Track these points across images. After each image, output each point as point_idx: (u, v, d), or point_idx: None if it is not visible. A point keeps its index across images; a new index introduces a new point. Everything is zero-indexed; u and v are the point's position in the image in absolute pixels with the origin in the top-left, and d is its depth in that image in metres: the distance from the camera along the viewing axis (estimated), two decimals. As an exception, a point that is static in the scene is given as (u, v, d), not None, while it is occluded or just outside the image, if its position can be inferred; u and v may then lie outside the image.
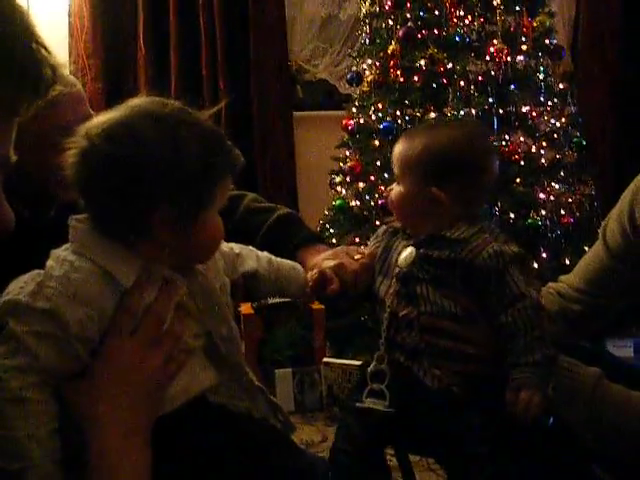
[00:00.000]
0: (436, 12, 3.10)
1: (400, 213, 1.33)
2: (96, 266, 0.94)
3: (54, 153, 0.98)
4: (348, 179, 3.26)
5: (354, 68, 3.34)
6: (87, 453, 0.90)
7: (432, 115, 3.00)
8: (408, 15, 3.12)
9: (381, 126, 3.10)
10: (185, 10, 3.74)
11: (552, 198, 3.07)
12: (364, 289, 1.34)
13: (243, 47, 3.79)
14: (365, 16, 3.34)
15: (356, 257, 1.34)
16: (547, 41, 3.19)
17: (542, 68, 3.16)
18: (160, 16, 3.73)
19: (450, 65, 3.01)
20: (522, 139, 3.08)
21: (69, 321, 0.90)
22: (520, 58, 3.08)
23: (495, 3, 3.07)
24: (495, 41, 3.01)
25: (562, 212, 3.08)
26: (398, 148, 1.32)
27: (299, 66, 4.09)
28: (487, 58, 3.01)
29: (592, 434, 1.26)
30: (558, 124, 3.16)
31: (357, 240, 3.11)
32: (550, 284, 1.53)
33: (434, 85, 3.06)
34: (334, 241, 3.22)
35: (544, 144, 3.12)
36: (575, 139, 3.18)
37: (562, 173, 3.14)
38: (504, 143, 2.98)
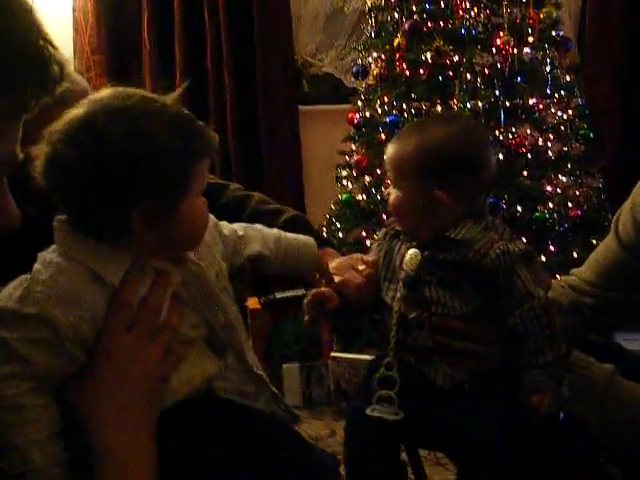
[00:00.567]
0: (442, 4, 3.08)
1: (401, 218, 1.29)
2: (83, 267, 0.92)
3: None
4: (354, 173, 3.25)
5: (360, 62, 3.33)
6: (92, 453, 0.90)
7: (439, 108, 2.99)
8: (414, 8, 3.10)
9: (387, 119, 3.08)
10: (190, 5, 3.73)
11: (559, 191, 3.05)
12: (370, 301, 1.32)
13: (248, 42, 3.78)
14: (370, 9, 3.32)
15: (360, 268, 1.34)
16: (553, 33, 3.17)
17: (549, 60, 3.14)
18: (165, 11, 3.72)
19: (456, 58, 3.00)
20: (529, 132, 3.06)
21: (60, 324, 0.89)
22: (527, 50, 3.06)
23: (501, -5, 3.06)
24: (501, 33, 2.99)
25: (569, 205, 3.06)
26: (390, 151, 1.28)
27: (304, 60, 4.08)
28: (493, 50, 3.00)
29: (605, 430, 1.26)
30: (565, 116, 3.14)
31: (363, 234, 3.10)
32: (562, 277, 1.52)
33: (440, 78, 3.04)
34: (340, 235, 3.22)
35: (551, 137, 3.09)
36: (582, 131, 3.16)
37: (569, 166, 3.12)
38: (510, 136, 2.96)
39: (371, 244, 1.43)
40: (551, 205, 2.98)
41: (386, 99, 3.15)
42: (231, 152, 3.72)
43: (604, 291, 1.43)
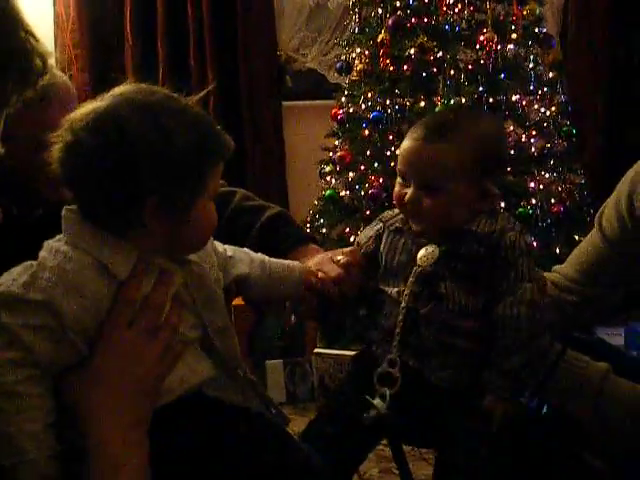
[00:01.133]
0: (426, 1, 3.07)
1: (438, 222, 1.23)
2: (90, 257, 0.92)
3: (42, 153, 0.97)
4: (338, 169, 3.25)
5: (343, 57, 3.32)
6: (86, 446, 0.89)
7: (422, 104, 2.99)
8: (397, 4, 3.09)
9: (371, 115, 3.08)
10: (173, 0, 3.70)
11: (542, 187, 3.07)
12: (353, 292, 1.31)
13: (231, 37, 3.76)
14: (354, 4, 3.31)
15: (338, 258, 1.33)
16: (537, 30, 3.18)
17: (532, 57, 3.15)
18: (147, 5, 3.69)
19: (440, 54, 2.99)
20: (512, 128, 3.07)
21: (64, 312, 0.89)
22: (510, 47, 3.07)
23: (485, -9, 3.06)
24: (485, 30, 2.99)
25: (552, 201, 3.07)
26: (430, 153, 1.20)
27: (288, 56, 4.07)
28: (477, 47, 3.00)
29: (598, 428, 1.26)
30: (548, 113, 3.15)
31: (347, 230, 3.10)
32: (544, 274, 1.53)
33: (424, 74, 3.04)
34: (324, 231, 3.21)
35: (534, 133, 3.11)
36: (565, 128, 3.17)
37: (552, 162, 3.14)
38: (494, 132, 2.96)
39: (355, 239, 1.40)
40: (534, 201, 3.00)
41: (370, 95, 3.14)
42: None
43: (587, 288, 1.44)
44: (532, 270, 1.22)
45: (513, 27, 3.06)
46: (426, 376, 1.23)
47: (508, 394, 1.19)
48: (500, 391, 1.19)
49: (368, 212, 3.01)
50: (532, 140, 3.09)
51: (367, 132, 3.12)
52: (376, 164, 3.07)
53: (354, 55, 3.28)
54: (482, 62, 2.99)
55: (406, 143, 1.25)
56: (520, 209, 2.94)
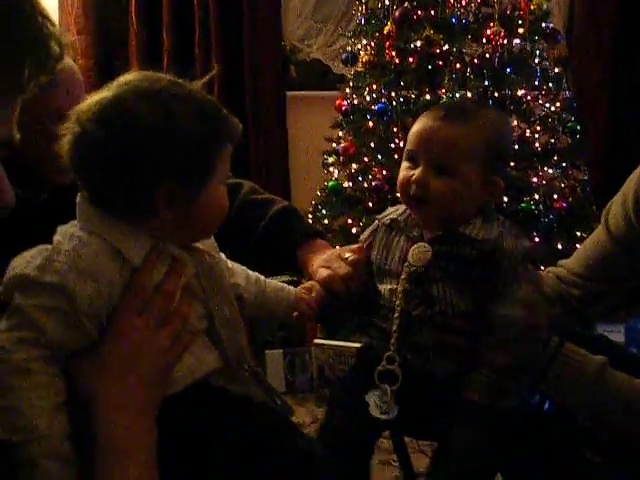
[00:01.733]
0: (432, -7, 3.07)
1: (444, 207, 1.21)
2: (105, 243, 0.93)
3: (47, 136, 0.97)
4: (341, 160, 3.25)
5: (349, 48, 3.31)
6: (92, 432, 0.89)
7: (427, 97, 2.98)
8: (404, -5, 3.09)
9: (375, 107, 3.07)
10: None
11: (545, 182, 3.06)
12: (358, 289, 1.31)
13: (237, 26, 3.75)
14: (360, -5, 3.31)
15: (346, 255, 1.33)
16: (543, 25, 3.17)
17: (538, 52, 3.14)
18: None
19: (446, 47, 2.99)
20: (516, 123, 3.07)
21: (78, 296, 0.89)
22: (516, 41, 3.06)
23: (492, -15, 3.05)
24: (492, 24, 2.98)
25: (555, 197, 3.07)
26: (445, 135, 1.19)
27: (293, 46, 4.06)
28: (483, 41, 2.99)
29: (595, 421, 1.27)
30: (553, 108, 3.14)
31: (350, 222, 3.10)
32: (550, 268, 1.53)
33: (429, 67, 3.03)
34: (326, 222, 3.21)
35: (538, 128, 3.11)
36: (569, 124, 3.17)
37: (555, 157, 3.13)
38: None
39: (357, 232, 1.40)
40: (537, 196, 2.99)
41: (375, 86, 3.13)
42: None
43: (592, 283, 1.44)
44: (529, 273, 1.22)
45: (520, 22, 3.05)
46: (425, 368, 1.23)
47: (489, 390, 1.18)
48: (482, 383, 1.18)
49: (371, 204, 3.01)
50: (536, 135, 3.09)
51: (371, 124, 3.12)
52: (380, 156, 3.06)
53: (359, 46, 3.27)
54: (488, 56, 2.99)
55: (422, 122, 1.23)
56: (523, 204, 2.94)
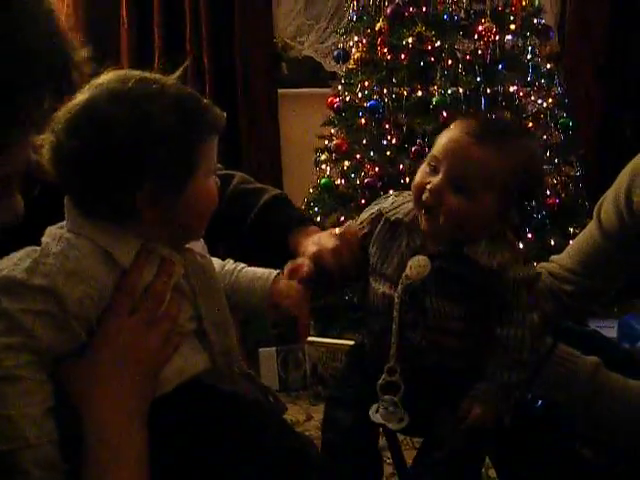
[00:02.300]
0: (424, -11, 3.06)
1: (453, 225, 1.16)
2: (94, 245, 0.92)
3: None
4: (333, 157, 3.24)
5: (340, 45, 3.31)
6: (83, 435, 0.89)
7: (419, 93, 2.98)
8: (396, -8, 3.08)
9: (367, 104, 3.07)
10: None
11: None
12: (353, 271, 1.28)
13: (228, 23, 3.73)
14: (352, -8, 3.30)
15: (336, 230, 1.31)
16: (535, 21, 3.17)
17: (530, 48, 3.14)
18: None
19: (438, 43, 2.99)
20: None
21: (67, 299, 0.88)
22: (508, 38, 3.06)
23: (484, -19, 3.05)
24: (483, 20, 2.98)
25: (547, 193, 3.07)
26: (473, 155, 1.12)
27: (284, 43, 4.04)
28: (475, 37, 2.99)
29: (588, 423, 1.27)
30: (545, 104, 3.15)
31: (342, 219, 3.09)
32: (542, 264, 1.53)
33: (421, 63, 3.03)
34: (318, 219, 3.20)
35: (531, 124, 3.10)
36: (561, 120, 3.17)
37: (548, 154, 3.13)
38: (491, 123, 2.96)
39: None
40: (529, 193, 2.99)
41: (367, 83, 3.13)
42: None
43: (584, 279, 1.44)
44: (535, 299, 1.19)
45: (512, 18, 3.05)
46: (422, 367, 1.23)
47: (491, 399, 1.17)
48: (486, 397, 1.17)
49: (363, 201, 3.00)
50: (528, 131, 3.09)
51: (363, 121, 3.11)
52: (372, 153, 3.06)
53: (351, 43, 3.26)
54: (480, 52, 2.98)
55: (454, 132, 1.16)
56: (515, 201, 2.93)
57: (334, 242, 1.28)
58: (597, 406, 1.24)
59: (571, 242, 1.54)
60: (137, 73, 0.94)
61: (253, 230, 1.40)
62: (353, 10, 3.28)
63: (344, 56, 3.27)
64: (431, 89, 2.97)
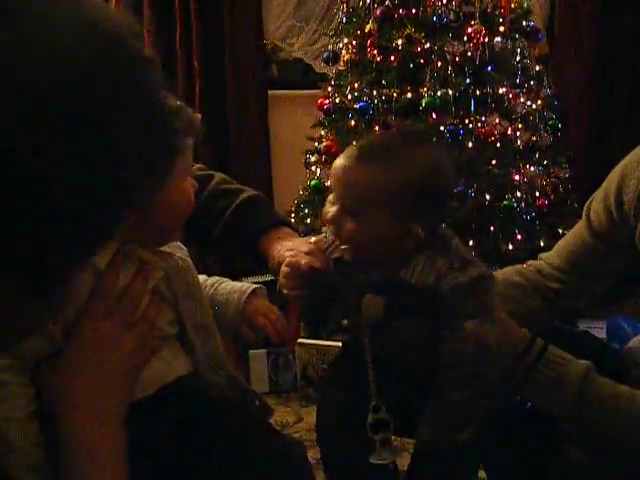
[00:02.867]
0: (414, -9, 3.07)
1: (359, 251, 1.14)
2: None
3: None
4: (323, 159, 3.24)
5: (330, 47, 3.31)
6: (61, 437, 0.88)
7: (409, 95, 2.98)
8: (386, -6, 3.09)
9: (357, 106, 3.07)
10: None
11: (527, 180, 3.07)
12: (324, 266, 1.22)
13: (218, 26, 3.73)
14: (342, -6, 3.30)
15: (311, 239, 1.29)
16: (524, 23, 3.18)
17: (519, 50, 3.15)
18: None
19: (427, 45, 2.99)
20: (498, 121, 3.07)
21: None
22: (497, 40, 3.07)
23: (473, -17, 3.06)
24: (473, 22, 2.99)
25: (537, 194, 3.08)
26: (351, 175, 1.10)
27: (274, 45, 4.04)
28: (465, 39, 2.99)
29: (576, 428, 1.26)
30: (534, 106, 3.16)
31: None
32: (530, 261, 1.53)
33: (411, 65, 3.03)
34: (309, 221, 3.20)
35: (520, 126, 3.12)
36: (550, 121, 3.18)
37: (537, 155, 3.15)
38: (480, 125, 2.97)
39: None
40: (519, 194, 3.00)
41: (356, 85, 3.13)
42: (199, 137, 3.67)
43: (571, 277, 1.44)
44: (479, 304, 1.14)
45: (501, 20, 3.06)
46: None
47: (443, 424, 1.16)
48: (435, 421, 1.16)
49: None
50: (518, 133, 3.10)
51: (353, 122, 3.11)
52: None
53: (341, 45, 3.26)
54: (469, 54, 2.99)
55: (339, 159, 1.15)
56: (505, 202, 2.94)
57: (308, 247, 1.25)
58: (588, 412, 1.23)
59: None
60: None
61: (226, 231, 1.39)
62: (343, 12, 3.29)
63: (334, 58, 3.28)
64: (421, 91, 2.97)
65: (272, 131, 3.95)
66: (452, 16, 3.05)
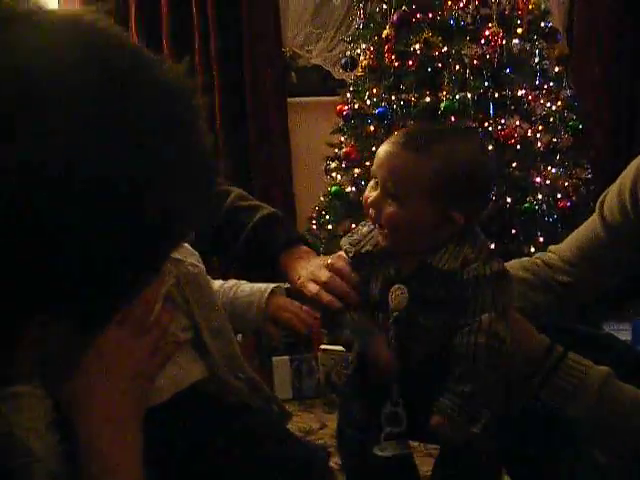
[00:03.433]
0: (430, -5, 3.07)
1: (396, 235, 1.17)
2: None
3: None
4: (343, 165, 3.25)
5: (348, 53, 3.32)
6: (77, 447, 0.89)
7: (427, 100, 2.98)
8: (402, -2, 3.09)
9: (376, 111, 3.07)
10: (177, 3, 3.69)
11: (548, 182, 3.06)
12: (347, 294, 1.25)
13: (236, 35, 3.75)
14: (359, 0, 3.31)
15: (328, 261, 1.28)
16: (542, 24, 3.17)
17: (537, 51, 3.14)
18: (152, 6, 3.69)
19: (445, 49, 2.99)
20: (518, 123, 3.06)
21: None
22: (515, 41, 3.06)
23: (490, -15, 3.05)
24: (490, 24, 2.98)
25: (559, 196, 3.06)
26: (398, 160, 1.14)
27: (293, 52, 4.06)
28: (482, 42, 2.99)
29: (597, 434, 1.25)
30: (554, 107, 3.14)
31: (353, 226, 3.09)
32: (538, 254, 1.51)
33: (429, 69, 3.03)
34: (330, 227, 3.21)
35: (540, 128, 3.10)
36: (571, 122, 3.16)
37: (558, 157, 3.13)
38: (500, 127, 2.96)
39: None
40: (540, 196, 2.99)
41: (375, 91, 3.14)
42: (220, 145, 3.70)
43: (581, 271, 1.42)
44: (498, 298, 1.15)
45: (518, 21, 3.05)
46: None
47: (457, 414, 1.14)
48: (449, 410, 1.14)
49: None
50: (538, 135, 3.08)
51: (372, 128, 3.12)
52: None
53: (359, 51, 3.27)
54: (487, 57, 2.98)
55: (384, 144, 1.19)
56: (526, 204, 2.93)
57: (327, 275, 1.26)
58: (605, 418, 1.21)
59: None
60: None
61: (244, 250, 1.41)
62: (360, 18, 3.29)
63: (352, 64, 3.29)
64: (439, 95, 2.97)
65: (292, 138, 3.96)
66: (469, 19, 3.04)
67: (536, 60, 3.13)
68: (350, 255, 1.27)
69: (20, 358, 0.60)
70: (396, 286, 1.18)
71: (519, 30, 3.04)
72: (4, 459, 0.85)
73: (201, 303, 1.03)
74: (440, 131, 1.26)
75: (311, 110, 3.98)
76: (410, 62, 3.04)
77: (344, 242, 1.29)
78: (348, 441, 1.28)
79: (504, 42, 2.97)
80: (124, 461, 0.89)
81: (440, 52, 2.99)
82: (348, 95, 3.28)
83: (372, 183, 1.20)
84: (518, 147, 2.97)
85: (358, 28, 3.30)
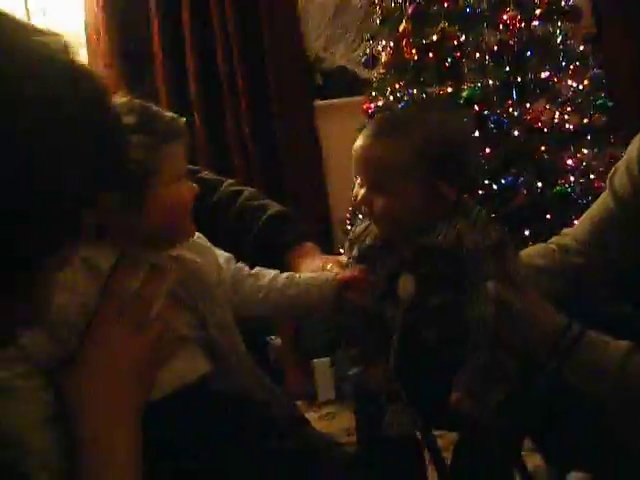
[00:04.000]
0: (445, -15, 3.03)
1: (392, 226, 1.19)
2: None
3: None
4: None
5: (368, 51, 3.31)
6: (76, 440, 0.91)
7: (449, 90, 2.95)
8: (417, -9, 3.07)
9: (399, 106, 3.06)
10: (198, 11, 3.73)
11: (584, 164, 2.99)
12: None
13: (258, 43, 3.77)
14: (376, -3, 3.30)
15: (329, 266, 1.31)
16: (562, 3, 3.10)
17: (559, 31, 3.07)
18: (174, 20, 3.73)
19: (463, 37, 2.95)
20: (546, 106, 3.00)
21: (54, 308, 0.91)
22: (535, 23, 3.00)
23: (504, -32, 3.00)
24: (507, 8, 2.94)
25: (592, 177, 2.99)
26: (376, 151, 1.15)
27: (316, 55, 4.07)
28: (501, 27, 2.94)
29: (619, 411, 1.22)
30: (581, 87, 3.07)
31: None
32: (553, 239, 1.49)
33: (449, 59, 3.00)
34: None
35: (568, 109, 3.03)
36: (600, 101, 3.08)
37: (589, 137, 3.05)
38: (525, 112, 2.91)
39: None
40: (572, 179, 2.92)
41: (397, 86, 3.12)
42: (250, 153, 3.73)
43: (595, 249, 1.40)
44: (501, 266, 1.15)
45: (536, 2, 2.99)
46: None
47: (474, 387, 1.15)
48: (466, 384, 1.15)
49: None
50: (566, 116, 3.01)
51: (397, 123, 3.09)
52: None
53: (380, 48, 3.26)
54: (507, 42, 2.93)
55: (357, 141, 1.19)
56: (557, 187, 2.87)
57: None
58: (629, 393, 1.18)
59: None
60: None
61: (252, 249, 1.43)
62: (378, 15, 3.28)
63: (373, 61, 3.27)
64: (461, 85, 2.93)
65: (322, 140, 3.97)
66: (485, 5, 3.00)
67: (559, 40, 3.06)
68: (353, 254, 1.27)
69: None
70: (402, 277, 1.19)
71: (537, 11, 2.98)
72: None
73: (206, 298, 1.05)
74: (408, 111, 1.28)
75: (339, 111, 3.97)
76: (429, 54, 3.01)
77: (345, 242, 1.31)
78: (362, 410, 1.28)
79: (523, 25, 2.92)
80: (121, 454, 0.91)
81: (458, 41, 2.95)
82: (373, 93, 3.27)
83: (358, 180, 1.21)
84: (545, 130, 2.91)
85: (376, 25, 3.28)
